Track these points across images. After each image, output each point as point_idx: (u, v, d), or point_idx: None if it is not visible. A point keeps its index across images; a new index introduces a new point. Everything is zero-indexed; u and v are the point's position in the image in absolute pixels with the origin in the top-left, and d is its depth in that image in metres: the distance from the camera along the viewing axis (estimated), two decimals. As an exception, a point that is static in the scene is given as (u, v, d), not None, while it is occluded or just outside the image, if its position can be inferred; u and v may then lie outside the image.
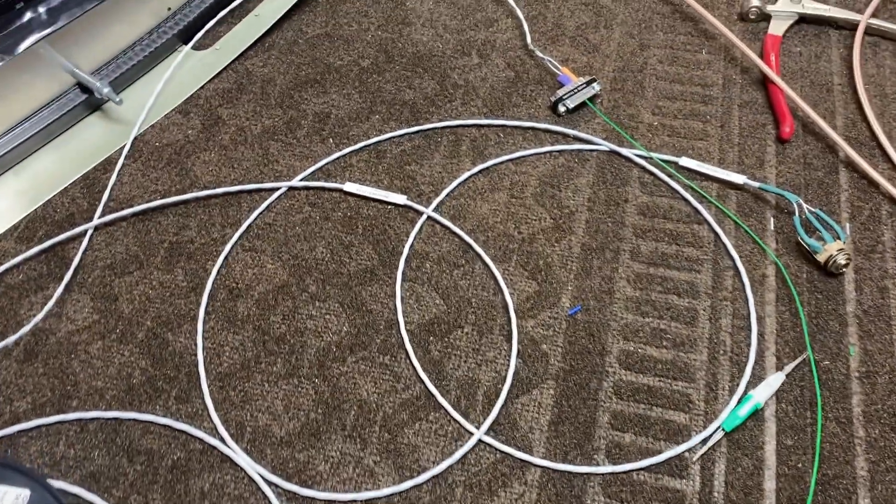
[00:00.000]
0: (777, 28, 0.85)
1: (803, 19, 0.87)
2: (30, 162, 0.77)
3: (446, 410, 0.60)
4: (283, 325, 0.65)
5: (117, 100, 0.77)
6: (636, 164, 0.75)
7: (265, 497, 0.56)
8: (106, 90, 0.77)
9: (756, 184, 0.72)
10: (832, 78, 0.82)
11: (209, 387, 0.62)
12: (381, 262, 0.69)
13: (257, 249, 0.70)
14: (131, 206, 0.73)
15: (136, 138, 0.79)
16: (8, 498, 0.48)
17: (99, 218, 0.72)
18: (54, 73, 0.77)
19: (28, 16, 0.70)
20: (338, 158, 0.77)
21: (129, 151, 0.78)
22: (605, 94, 0.81)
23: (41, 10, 0.71)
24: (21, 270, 0.70)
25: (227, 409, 0.61)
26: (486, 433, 0.59)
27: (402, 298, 0.66)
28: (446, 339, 0.64)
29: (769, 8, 0.87)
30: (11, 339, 0.64)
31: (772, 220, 0.70)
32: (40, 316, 0.65)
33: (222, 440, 0.59)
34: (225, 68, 0.85)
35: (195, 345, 0.64)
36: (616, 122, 0.78)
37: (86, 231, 0.71)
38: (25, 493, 0.48)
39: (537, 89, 0.82)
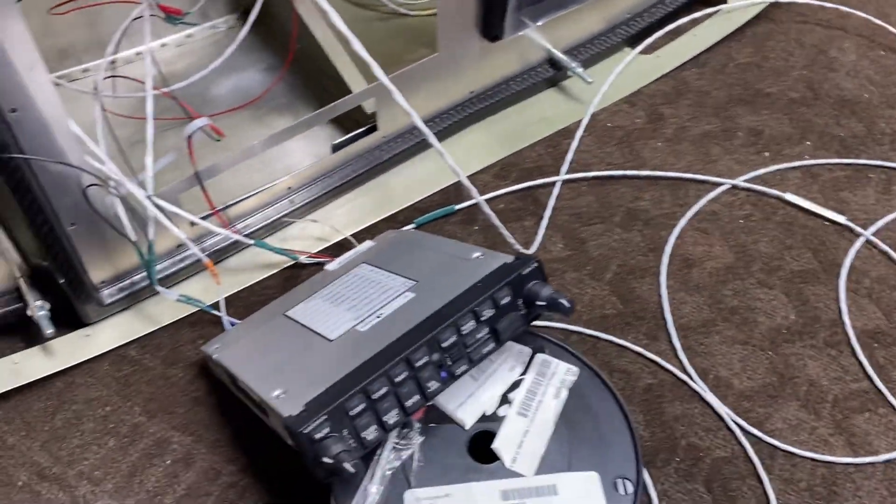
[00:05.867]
0: None
1: None
2: (499, 119, 0.91)
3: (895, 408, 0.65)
4: (735, 300, 0.73)
5: (589, 80, 0.89)
6: None
7: (732, 433, 0.64)
8: (580, 70, 0.90)
9: None
10: None
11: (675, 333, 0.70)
12: (821, 269, 0.76)
13: (706, 231, 0.79)
14: (590, 170, 0.85)
15: (591, 115, 0.90)
16: (561, 368, 0.58)
17: (566, 174, 0.84)
18: (530, 48, 0.90)
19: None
20: (775, 171, 0.85)
21: (586, 125, 0.89)
22: None
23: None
24: (501, 200, 0.82)
25: (691, 356, 0.69)
26: (940, 438, 0.63)
27: (846, 303, 0.72)
28: (892, 350, 0.69)
29: None
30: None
31: None
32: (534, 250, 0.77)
33: (690, 377, 0.67)
34: (665, 74, 0.96)
35: (659, 296, 0.73)
36: None
37: (555, 182, 0.83)
38: (575, 368, 0.58)
39: (969, 151, 0.86)
